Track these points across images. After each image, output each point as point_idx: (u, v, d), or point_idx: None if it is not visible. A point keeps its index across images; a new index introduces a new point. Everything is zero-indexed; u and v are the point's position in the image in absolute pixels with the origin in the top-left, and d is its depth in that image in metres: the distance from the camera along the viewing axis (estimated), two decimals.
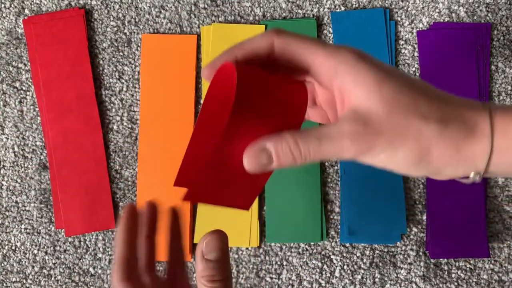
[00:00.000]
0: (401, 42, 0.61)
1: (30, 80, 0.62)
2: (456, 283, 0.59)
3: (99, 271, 0.60)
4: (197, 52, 0.62)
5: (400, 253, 0.60)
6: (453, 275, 0.59)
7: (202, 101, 0.61)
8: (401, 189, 0.59)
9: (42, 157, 0.61)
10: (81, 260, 0.60)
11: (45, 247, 0.60)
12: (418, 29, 0.61)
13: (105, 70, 0.62)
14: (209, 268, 0.30)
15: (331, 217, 0.60)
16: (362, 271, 0.60)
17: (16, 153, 0.61)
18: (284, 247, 0.60)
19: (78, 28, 0.62)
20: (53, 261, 0.60)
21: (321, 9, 0.62)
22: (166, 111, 0.61)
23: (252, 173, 0.29)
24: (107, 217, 0.60)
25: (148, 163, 0.60)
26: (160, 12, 0.62)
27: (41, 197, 0.61)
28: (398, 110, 0.28)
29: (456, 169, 0.29)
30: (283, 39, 0.30)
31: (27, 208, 0.61)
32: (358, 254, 0.60)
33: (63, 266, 0.60)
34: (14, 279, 0.60)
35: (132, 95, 0.62)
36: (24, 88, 0.62)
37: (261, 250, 0.60)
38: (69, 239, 0.60)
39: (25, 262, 0.60)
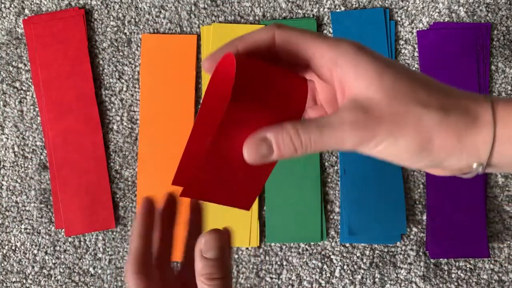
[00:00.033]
0: (401, 42, 0.61)
1: (30, 80, 0.62)
2: (456, 283, 0.59)
3: (99, 271, 0.60)
4: (197, 52, 0.62)
5: (400, 253, 0.60)
6: (453, 275, 0.59)
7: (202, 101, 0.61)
8: (401, 189, 0.59)
9: (42, 157, 0.61)
10: (81, 260, 0.60)
11: (45, 247, 0.60)
12: (418, 29, 0.61)
13: (105, 70, 0.62)
14: (208, 266, 0.30)
15: (331, 217, 0.60)
16: (362, 271, 0.60)
17: (16, 153, 0.61)
18: (284, 247, 0.60)
19: (78, 28, 0.62)
20: (53, 261, 0.60)
21: (321, 9, 0.62)
22: (166, 111, 0.61)
23: (252, 164, 0.29)
24: (107, 217, 0.60)
25: (148, 163, 0.60)
26: (160, 12, 0.62)
27: (41, 197, 0.61)
28: (398, 98, 0.28)
29: (458, 160, 0.29)
30: (284, 32, 0.30)
31: (27, 208, 0.61)
32: (358, 254, 0.60)
33: (63, 266, 0.60)
34: (14, 279, 0.60)
35: (132, 95, 0.62)
36: (24, 88, 0.62)
37: (261, 250, 0.60)
38: (69, 239, 0.60)
39: (25, 262, 0.60)
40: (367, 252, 0.60)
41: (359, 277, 0.59)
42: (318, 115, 0.36)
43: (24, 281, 0.60)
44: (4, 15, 0.63)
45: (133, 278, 0.31)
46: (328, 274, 0.60)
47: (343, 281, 0.59)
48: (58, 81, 0.61)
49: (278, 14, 0.62)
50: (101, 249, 0.60)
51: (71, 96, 0.61)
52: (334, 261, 0.60)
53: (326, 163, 0.60)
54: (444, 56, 0.60)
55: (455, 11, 0.61)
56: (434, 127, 0.28)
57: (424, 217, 0.60)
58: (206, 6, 0.62)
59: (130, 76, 0.62)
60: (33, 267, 0.60)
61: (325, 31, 0.62)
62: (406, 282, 0.59)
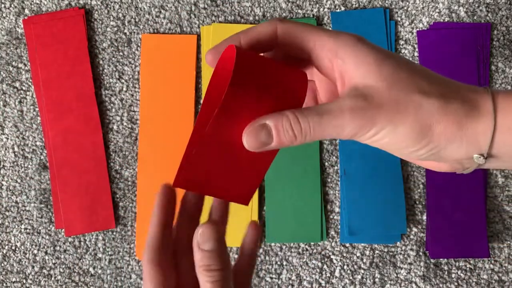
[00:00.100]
0: (401, 42, 0.61)
1: (30, 80, 0.62)
2: (456, 283, 0.59)
3: (99, 271, 0.60)
4: (197, 52, 0.62)
5: (400, 253, 0.60)
6: (453, 275, 0.59)
7: (202, 101, 0.61)
8: (401, 189, 0.59)
9: (42, 157, 0.61)
10: (81, 260, 0.60)
11: (45, 247, 0.60)
12: (418, 29, 0.61)
13: (105, 70, 0.62)
14: (205, 258, 0.29)
15: (331, 217, 0.60)
16: (362, 271, 0.60)
17: (16, 153, 0.61)
18: (284, 247, 0.60)
19: (78, 28, 0.62)
20: (53, 261, 0.60)
21: (321, 9, 0.62)
22: (166, 111, 0.61)
23: (252, 151, 0.29)
24: (107, 217, 0.60)
25: (148, 163, 0.60)
26: (160, 12, 0.62)
27: (41, 197, 0.61)
28: (398, 86, 0.28)
29: (458, 148, 0.29)
30: (285, 25, 0.31)
31: (27, 208, 0.61)
32: (358, 254, 0.60)
33: (63, 266, 0.60)
34: (14, 279, 0.60)
35: (132, 95, 0.62)
36: (24, 88, 0.62)
37: (261, 250, 0.60)
38: (69, 239, 0.60)
39: (25, 262, 0.60)
40: (367, 252, 0.60)
41: (359, 277, 0.59)
42: None
43: (24, 281, 0.60)
44: (4, 15, 0.63)
45: (148, 267, 0.31)
46: (328, 274, 0.60)
47: (343, 281, 0.59)
48: (58, 81, 0.61)
49: (278, 14, 0.62)
50: (101, 249, 0.60)
51: (71, 96, 0.61)
52: (334, 261, 0.60)
53: (326, 163, 0.60)
54: (444, 56, 0.60)
55: (455, 11, 0.61)
56: (434, 115, 0.28)
57: (424, 217, 0.60)
58: (206, 6, 0.62)
59: (130, 76, 0.62)
60: (33, 267, 0.60)
61: None
62: (406, 282, 0.59)
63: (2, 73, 0.62)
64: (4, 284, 0.60)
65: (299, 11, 0.62)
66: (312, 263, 0.60)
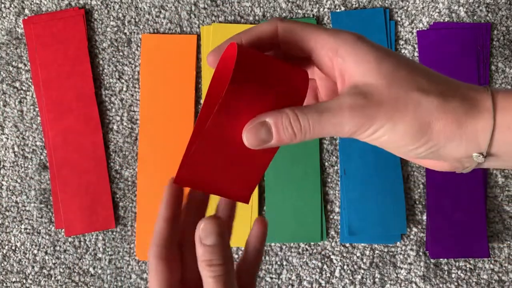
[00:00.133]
0: (401, 42, 0.61)
1: (30, 80, 0.62)
2: (456, 283, 0.59)
3: (99, 271, 0.60)
4: (197, 52, 0.62)
5: (400, 253, 0.60)
6: (453, 275, 0.59)
7: (202, 101, 0.61)
8: (401, 189, 0.59)
9: (42, 157, 0.61)
10: (81, 260, 0.60)
11: (45, 247, 0.60)
12: (418, 29, 0.61)
13: (105, 70, 0.62)
14: (207, 252, 0.29)
15: (331, 217, 0.60)
16: (362, 271, 0.60)
17: (16, 153, 0.61)
18: (284, 247, 0.60)
19: (78, 28, 0.62)
20: (53, 261, 0.60)
21: (321, 9, 0.62)
22: (166, 111, 0.61)
23: (251, 148, 0.29)
24: (107, 217, 0.60)
25: (148, 163, 0.60)
26: (160, 12, 0.62)
27: (41, 197, 0.61)
28: (397, 84, 0.28)
29: (457, 146, 0.29)
30: (286, 24, 0.31)
31: (27, 208, 0.61)
32: (358, 254, 0.60)
33: (63, 266, 0.60)
34: (14, 279, 0.60)
35: (132, 95, 0.62)
36: (24, 88, 0.62)
37: None
38: (69, 239, 0.60)
39: (25, 262, 0.60)
40: (367, 252, 0.60)
41: (359, 277, 0.59)
42: None
43: (24, 281, 0.60)
44: (4, 15, 0.63)
45: (154, 262, 0.31)
46: (328, 274, 0.60)
47: (343, 281, 0.59)
48: (58, 81, 0.61)
49: (278, 14, 0.62)
50: (101, 249, 0.60)
51: (71, 96, 0.61)
52: (334, 261, 0.60)
53: (326, 163, 0.60)
54: (444, 56, 0.60)
55: (455, 11, 0.61)
56: (434, 112, 0.28)
57: (424, 217, 0.60)
58: (206, 6, 0.62)
59: (130, 76, 0.62)
60: (33, 267, 0.60)
61: None
62: (406, 282, 0.59)
63: (2, 73, 0.62)
64: (4, 284, 0.60)
65: (299, 11, 0.62)
66: (312, 263, 0.60)
